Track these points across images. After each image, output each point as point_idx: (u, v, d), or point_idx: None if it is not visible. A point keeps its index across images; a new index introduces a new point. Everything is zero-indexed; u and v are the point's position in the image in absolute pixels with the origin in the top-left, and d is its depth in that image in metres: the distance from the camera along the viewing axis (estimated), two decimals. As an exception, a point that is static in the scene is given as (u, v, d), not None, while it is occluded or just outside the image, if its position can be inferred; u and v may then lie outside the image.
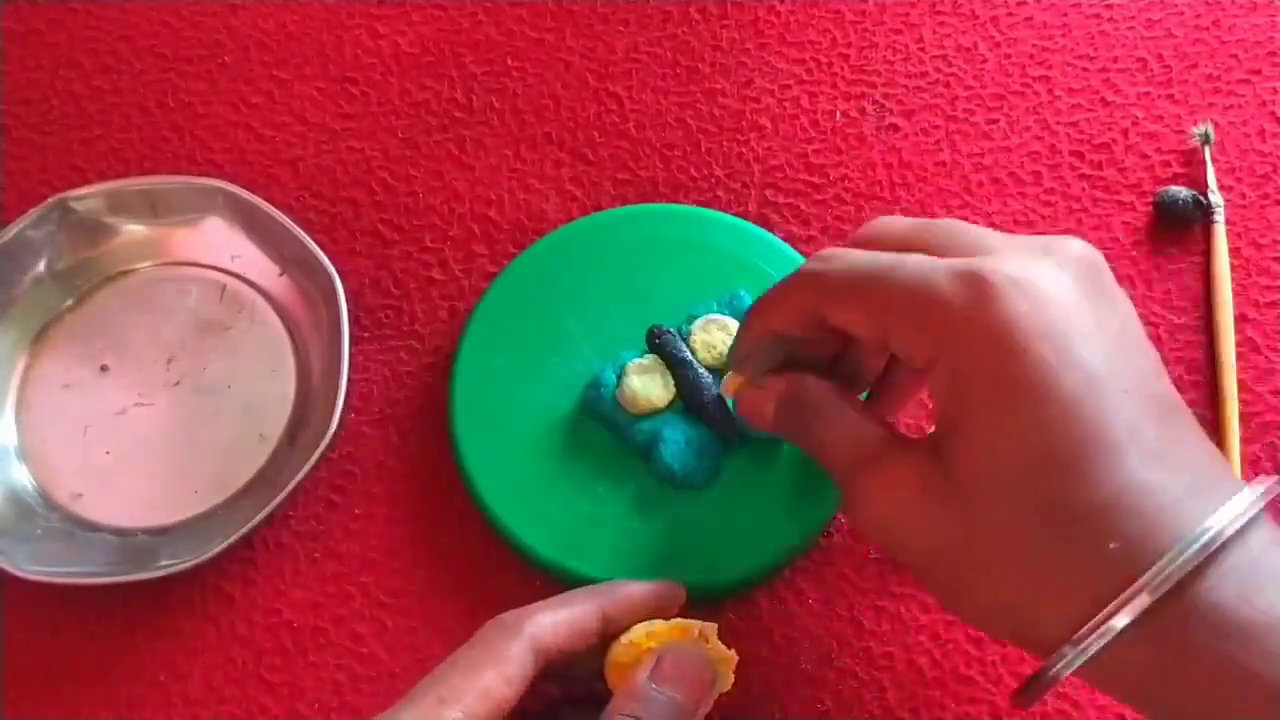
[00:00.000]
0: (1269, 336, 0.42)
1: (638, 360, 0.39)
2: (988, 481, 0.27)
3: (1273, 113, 0.46)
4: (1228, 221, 0.43)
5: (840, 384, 0.33)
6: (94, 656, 0.39)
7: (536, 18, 0.49)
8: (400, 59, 0.49)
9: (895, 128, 0.46)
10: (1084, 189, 0.45)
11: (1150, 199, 0.44)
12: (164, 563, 0.38)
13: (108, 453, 0.41)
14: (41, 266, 0.43)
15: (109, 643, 0.39)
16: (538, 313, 0.41)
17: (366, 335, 0.43)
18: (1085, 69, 0.47)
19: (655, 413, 0.38)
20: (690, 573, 0.36)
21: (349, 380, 0.41)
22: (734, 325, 0.39)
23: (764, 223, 0.44)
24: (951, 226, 0.31)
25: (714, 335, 0.39)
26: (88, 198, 0.43)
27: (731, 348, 0.34)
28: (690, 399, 0.38)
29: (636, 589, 0.33)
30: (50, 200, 0.43)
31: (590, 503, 0.38)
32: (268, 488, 0.39)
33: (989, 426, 0.27)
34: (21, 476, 0.41)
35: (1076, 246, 0.29)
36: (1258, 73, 0.47)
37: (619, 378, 0.39)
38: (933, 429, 0.29)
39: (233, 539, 0.37)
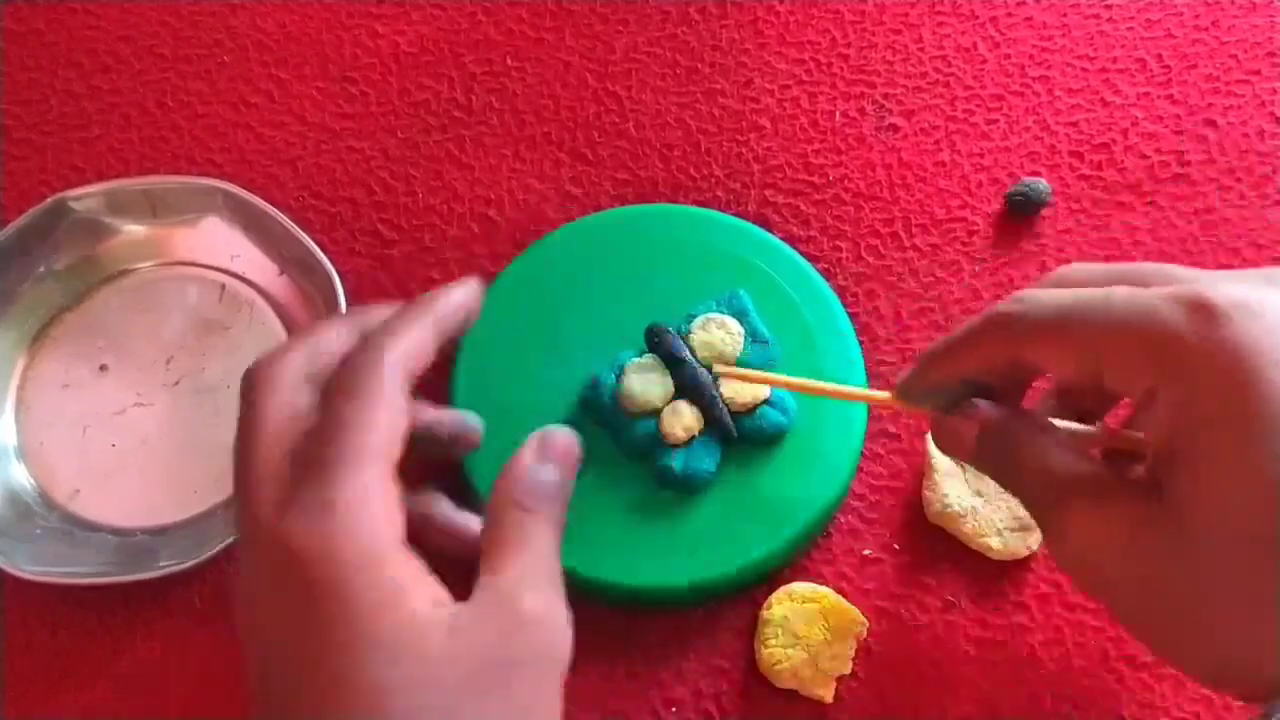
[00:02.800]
0: (1268, 337, 0.42)
1: (636, 360, 0.39)
2: (1219, 518, 0.25)
3: (1272, 113, 0.46)
4: (1226, 222, 0.43)
5: (1044, 419, 0.31)
6: (94, 656, 0.39)
7: (536, 17, 0.49)
8: (400, 59, 0.49)
9: (895, 128, 0.46)
10: (1083, 189, 0.45)
11: (1148, 200, 0.44)
12: (163, 563, 0.38)
13: (108, 450, 0.41)
14: (41, 266, 0.43)
15: (109, 643, 0.39)
16: (537, 313, 0.41)
17: (366, 335, 0.43)
18: (1085, 69, 0.47)
19: (655, 412, 0.38)
20: (691, 571, 0.37)
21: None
22: (733, 324, 0.39)
23: (763, 223, 0.44)
24: (1156, 265, 0.29)
25: (713, 334, 0.39)
26: (87, 197, 0.43)
27: (901, 384, 0.33)
28: (689, 398, 0.38)
29: (453, 295, 0.32)
30: (49, 200, 0.43)
31: (589, 502, 0.38)
32: None
33: (1221, 460, 0.25)
34: (21, 476, 0.41)
35: None
36: (1257, 73, 0.47)
37: (618, 378, 0.39)
38: (1142, 467, 0.28)
39: (231, 539, 0.37)
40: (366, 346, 0.31)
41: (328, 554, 0.28)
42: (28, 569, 0.37)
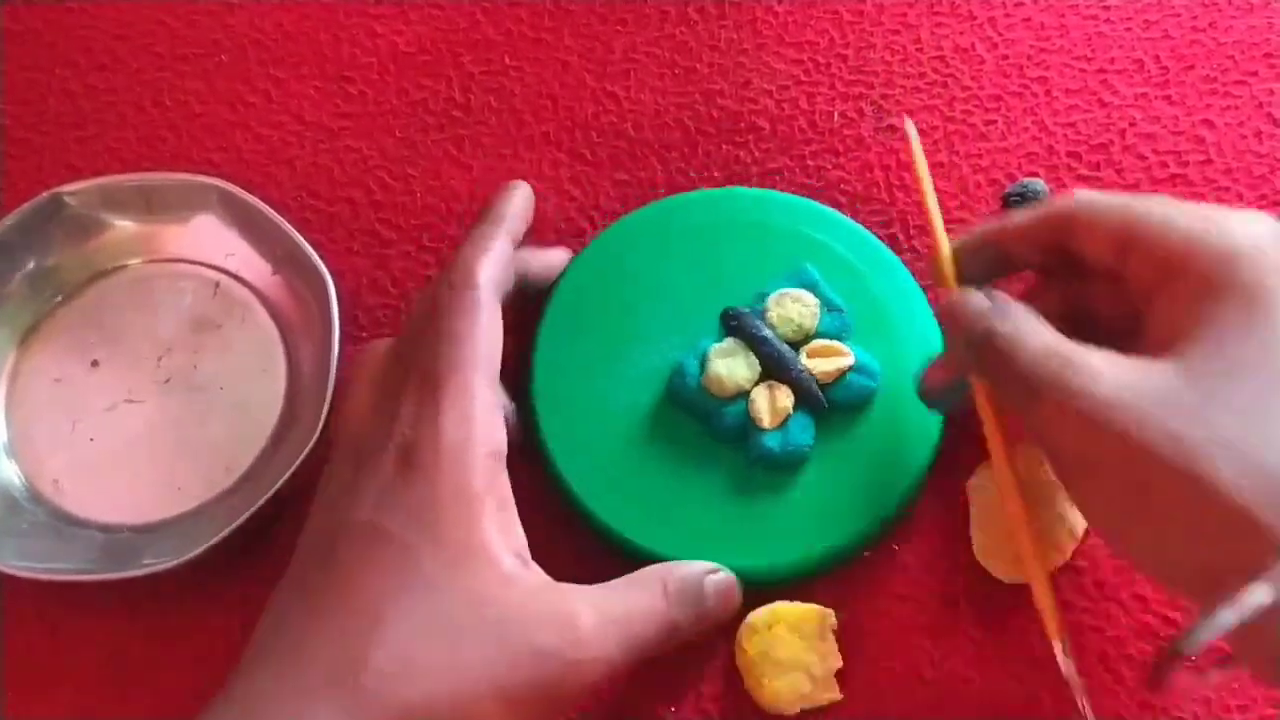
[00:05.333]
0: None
1: (718, 345, 0.39)
2: (1225, 376, 0.28)
3: (1269, 114, 0.46)
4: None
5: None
6: (92, 656, 0.38)
7: (534, 17, 0.49)
8: (397, 58, 0.49)
9: (893, 129, 0.46)
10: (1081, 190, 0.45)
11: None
12: (147, 561, 0.37)
13: (98, 446, 0.41)
14: (35, 261, 0.43)
15: (108, 642, 0.38)
16: (606, 307, 0.41)
17: (364, 335, 0.43)
18: (1082, 70, 0.47)
19: (743, 394, 0.38)
20: (798, 547, 0.37)
21: (344, 381, 0.41)
22: (807, 296, 0.40)
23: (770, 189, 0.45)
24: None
25: (789, 309, 0.39)
26: (81, 193, 0.43)
27: (933, 259, 0.38)
28: (776, 376, 0.38)
29: (514, 200, 0.39)
30: (44, 195, 0.43)
31: (682, 489, 0.38)
32: (255, 488, 0.39)
33: (1229, 332, 0.29)
34: (10, 471, 0.41)
35: None
36: (1254, 74, 0.47)
37: (702, 364, 0.39)
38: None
39: (217, 539, 0.37)
40: (454, 265, 0.35)
41: (427, 443, 0.31)
42: (14, 565, 0.37)
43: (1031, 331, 0.31)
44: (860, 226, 0.43)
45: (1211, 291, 0.30)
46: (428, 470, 0.31)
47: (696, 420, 0.39)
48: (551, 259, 0.42)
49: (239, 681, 0.30)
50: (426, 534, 0.30)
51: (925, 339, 0.40)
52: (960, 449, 0.40)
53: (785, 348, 0.39)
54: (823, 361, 0.39)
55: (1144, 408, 0.28)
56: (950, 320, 0.34)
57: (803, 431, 0.38)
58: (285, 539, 0.39)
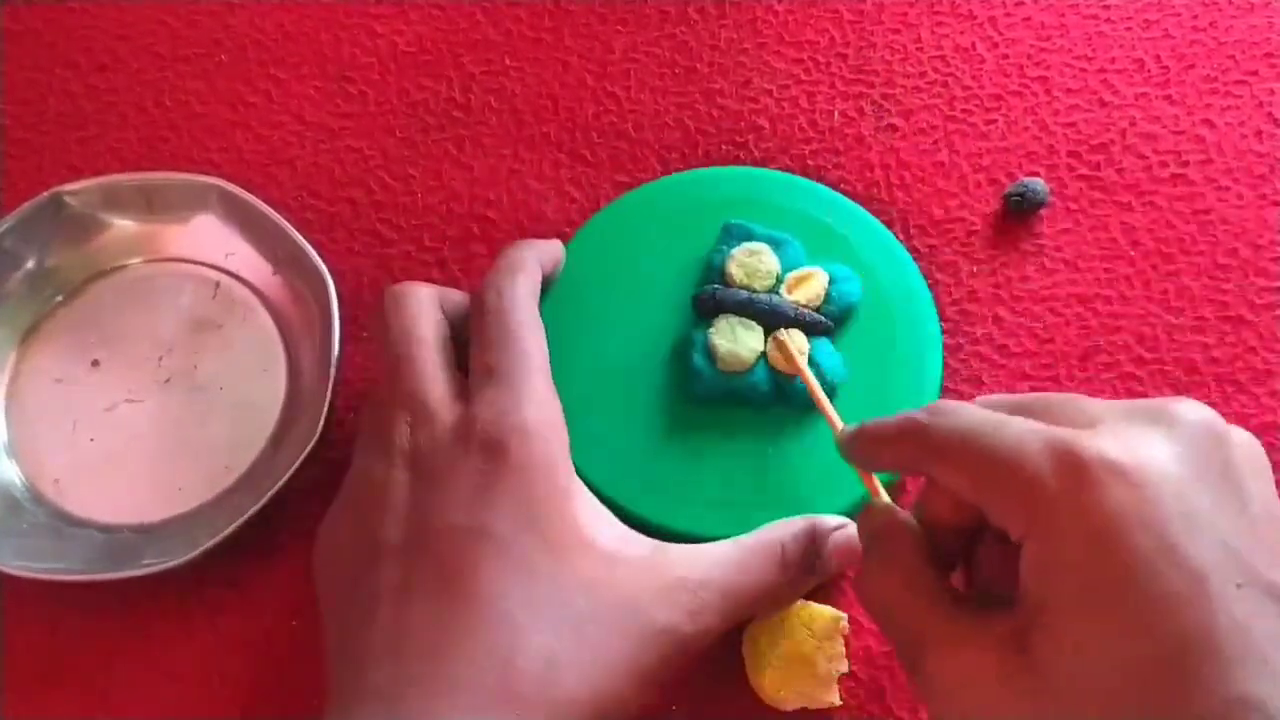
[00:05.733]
0: (1265, 339, 0.42)
1: (712, 329, 0.39)
2: (1076, 684, 0.25)
3: (1270, 113, 0.46)
4: (1224, 222, 0.44)
5: (931, 551, 0.30)
6: (91, 656, 0.38)
7: (534, 17, 0.49)
8: (398, 58, 0.49)
9: (894, 128, 0.46)
10: (1081, 189, 0.45)
11: (1146, 200, 0.44)
12: (146, 561, 0.37)
13: (98, 446, 0.41)
14: (35, 261, 0.43)
15: (107, 642, 0.39)
16: (606, 299, 0.41)
17: (365, 335, 0.43)
18: (1083, 69, 0.47)
19: (758, 358, 0.38)
20: (831, 497, 0.37)
21: (344, 381, 0.41)
22: (751, 244, 0.40)
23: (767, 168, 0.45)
24: (1064, 398, 0.29)
25: (748, 262, 0.40)
26: (82, 193, 0.43)
27: (837, 441, 0.33)
28: (778, 324, 0.39)
29: (549, 242, 0.40)
30: (45, 194, 0.43)
31: (692, 460, 0.38)
32: (255, 488, 0.39)
33: (1079, 625, 0.25)
34: (10, 471, 0.41)
35: (1193, 414, 0.27)
36: (1255, 74, 0.47)
37: (708, 353, 0.39)
38: (1014, 611, 0.27)
39: (216, 539, 0.37)
40: (500, 278, 0.36)
41: (515, 435, 0.32)
42: (14, 564, 0.37)
43: (908, 586, 0.29)
44: (855, 203, 0.43)
45: (1054, 566, 0.27)
46: (520, 463, 0.32)
47: (730, 403, 0.39)
48: (555, 253, 0.41)
49: (366, 703, 0.29)
50: (531, 528, 0.31)
51: (871, 231, 0.42)
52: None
53: (769, 296, 0.39)
54: (804, 290, 0.39)
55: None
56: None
57: (830, 355, 0.39)
58: (286, 539, 0.40)
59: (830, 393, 0.38)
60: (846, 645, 0.36)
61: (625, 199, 0.44)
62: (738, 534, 0.35)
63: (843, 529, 0.35)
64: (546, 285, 0.40)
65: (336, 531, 0.34)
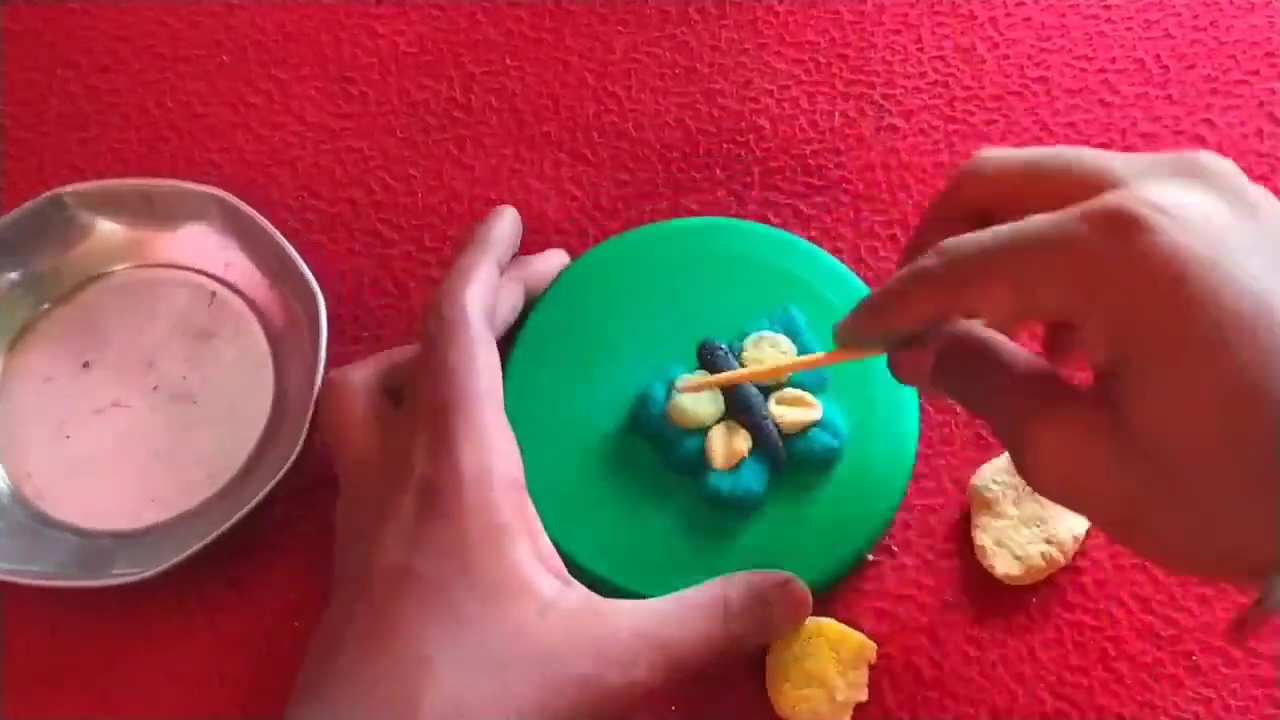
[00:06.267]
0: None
1: (688, 376, 0.38)
2: (1165, 424, 0.26)
3: (1270, 113, 0.46)
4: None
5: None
6: (91, 656, 0.38)
7: (535, 17, 0.49)
8: (399, 59, 0.49)
9: (894, 128, 0.46)
10: (1082, 189, 0.45)
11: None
12: (117, 571, 0.37)
13: (81, 449, 0.41)
14: (31, 262, 0.43)
15: (107, 642, 0.39)
16: (586, 326, 0.40)
17: (366, 335, 0.43)
18: (1083, 69, 0.47)
19: (704, 429, 0.38)
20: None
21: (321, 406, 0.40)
22: (785, 342, 0.39)
23: (763, 224, 0.44)
24: (1062, 159, 0.29)
25: (765, 352, 0.39)
26: (81, 195, 0.43)
27: (839, 334, 0.32)
28: (740, 418, 0.38)
29: (500, 224, 0.39)
30: (45, 196, 0.43)
31: (638, 518, 0.38)
32: (234, 501, 0.39)
33: (1157, 367, 0.25)
34: None
35: (1217, 163, 0.28)
36: (1255, 73, 0.47)
37: (668, 394, 0.38)
38: (1096, 386, 0.28)
39: (190, 552, 0.37)
40: (443, 297, 0.35)
41: (447, 479, 0.31)
42: None
43: (1002, 369, 0.29)
44: (851, 273, 0.42)
45: (1125, 325, 0.28)
46: (451, 508, 0.31)
47: (656, 450, 0.38)
48: (549, 265, 0.41)
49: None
50: (459, 572, 0.31)
51: (902, 404, 0.39)
52: (961, 449, 0.40)
53: (754, 391, 0.38)
54: (790, 411, 0.38)
55: (1083, 491, 0.28)
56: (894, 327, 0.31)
57: (754, 478, 0.37)
58: (265, 554, 0.40)
59: (738, 505, 0.37)
60: (870, 674, 0.36)
61: (611, 243, 0.43)
62: (648, 590, 0.35)
63: (791, 581, 0.35)
64: (535, 295, 0.40)
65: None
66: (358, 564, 0.32)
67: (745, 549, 0.37)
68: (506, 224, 0.39)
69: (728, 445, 0.37)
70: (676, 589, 0.34)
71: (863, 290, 0.41)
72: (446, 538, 0.31)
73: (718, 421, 0.38)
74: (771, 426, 0.38)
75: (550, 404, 0.39)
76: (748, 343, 0.39)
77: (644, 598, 0.34)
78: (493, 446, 0.33)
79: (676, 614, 0.33)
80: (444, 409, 0.33)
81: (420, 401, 0.33)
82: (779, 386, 0.38)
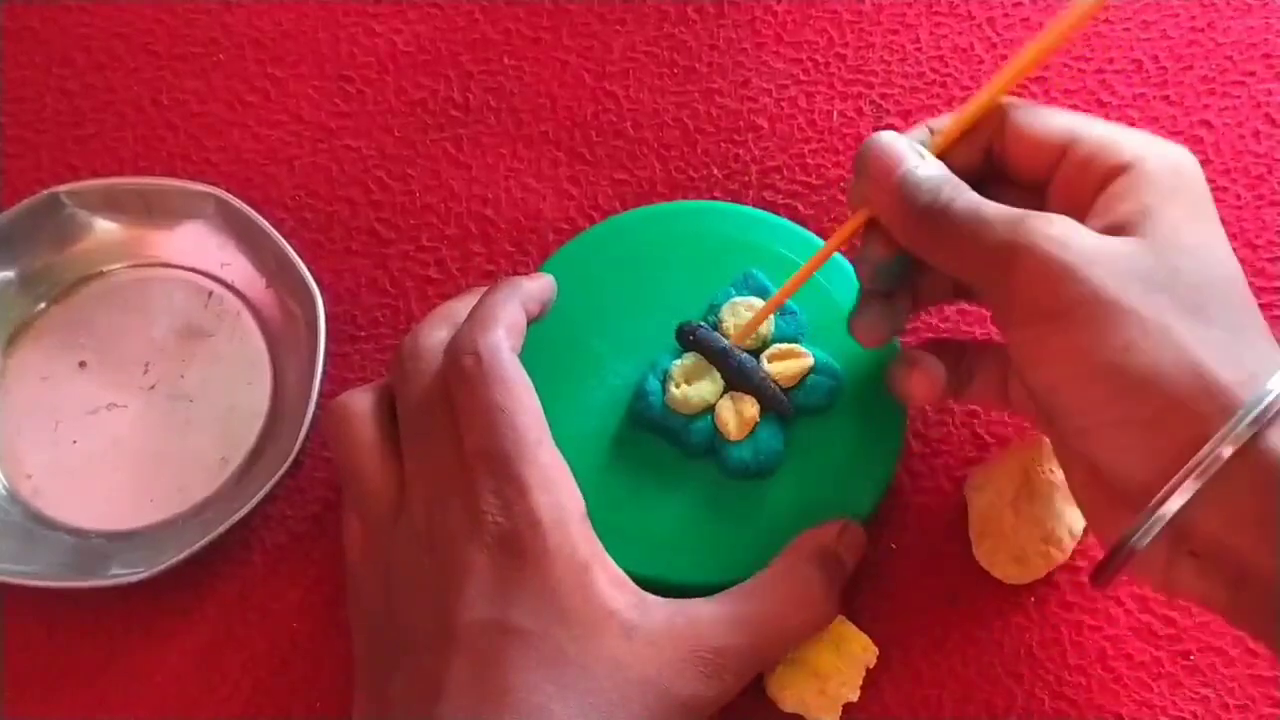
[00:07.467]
0: (1264, 337, 0.42)
1: (679, 362, 0.38)
2: (1184, 254, 0.29)
3: (1267, 114, 0.46)
4: (1224, 221, 0.43)
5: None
6: (91, 656, 0.38)
7: (533, 17, 0.49)
8: (396, 58, 0.49)
9: (892, 128, 0.46)
10: (1080, 190, 0.45)
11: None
12: (115, 571, 0.37)
13: (77, 448, 0.41)
14: (28, 261, 0.43)
15: (107, 642, 0.39)
16: (560, 338, 0.40)
17: (363, 334, 0.43)
18: (1081, 70, 0.47)
19: (709, 409, 0.38)
20: (763, 562, 0.36)
21: (327, 398, 0.40)
22: (758, 302, 0.39)
23: (697, 200, 0.45)
24: (1103, 132, 0.32)
25: (743, 316, 0.39)
26: (79, 194, 0.43)
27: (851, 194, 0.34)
28: (740, 386, 0.38)
29: (535, 280, 0.37)
30: (42, 194, 0.43)
31: (662, 510, 0.38)
32: (229, 503, 0.39)
33: (1183, 225, 0.30)
34: None
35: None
36: (1252, 74, 0.47)
37: (664, 383, 0.38)
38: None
39: (185, 553, 0.36)
40: (478, 333, 0.34)
41: (526, 527, 0.31)
42: None
43: (983, 199, 0.31)
44: (803, 229, 0.42)
45: (1162, 192, 0.30)
46: (537, 555, 0.31)
47: (663, 439, 0.38)
48: (544, 293, 0.39)
49: None
50: (557, 619, 0.31)
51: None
52: (959, 448, 0.40)
53: (745, 356, 0.38)
54: (783, 365, 0.38)
55: (1121, 266, 0.29)
56: (891, 195, 0.32)
57: (773, 438, 0.38)
58: (262, 554, 0.40)
59: (762, 471, 0.38)
60: (869, 674, 0.36)
61: (570, 247, 0.42)
62: (687, 579, 0.36)
63: (847, 525, 0.36)
64: (533, 323, 0.39)
65: (362, 596, 0.35)
66: (429, 628, 0.31)
67: (768, 515, 0.37)
68: (544, 281, 0.38)
69: (739, 415, 0.38)
70: (722, 567, 0.35)
71: (812, 239, 0.42)
72: (537, 585, 0.31)
73: (720, 397, 0.38)
74: (773, 384, 0.38)
75: (549, 422, 0.39)
76: (723, 313, 0.39)
77: (695, 586, 0.35)
78: (560, 487, 0.32)
79: (756, 616, 0.33)
80: (505, 458, 0.32)
81: (472, 448, 0.32)
82: (765, 346, 0.39)
